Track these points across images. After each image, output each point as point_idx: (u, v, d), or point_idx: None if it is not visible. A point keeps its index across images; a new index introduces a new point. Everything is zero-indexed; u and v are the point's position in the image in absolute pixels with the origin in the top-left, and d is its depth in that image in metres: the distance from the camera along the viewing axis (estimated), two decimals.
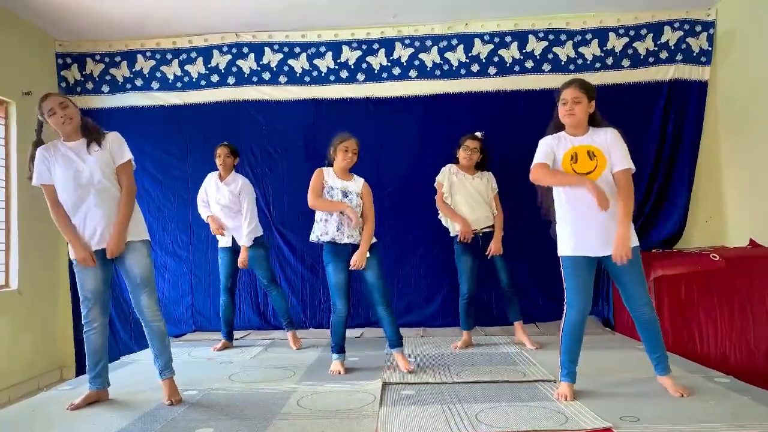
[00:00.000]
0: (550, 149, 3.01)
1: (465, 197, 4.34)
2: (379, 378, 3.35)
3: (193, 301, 5.38)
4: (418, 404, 2.89)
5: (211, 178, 4.60)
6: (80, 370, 5.09)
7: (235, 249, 4.50)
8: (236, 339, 4.87)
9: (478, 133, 4.47)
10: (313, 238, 3.68)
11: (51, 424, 2.78)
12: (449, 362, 3.81)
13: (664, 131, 5.15)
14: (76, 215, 2.98)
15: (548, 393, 3.03)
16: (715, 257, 4.21)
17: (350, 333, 4.92)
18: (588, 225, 2.92)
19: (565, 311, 3.09)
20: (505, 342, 4.46)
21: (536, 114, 5.13)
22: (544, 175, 2.96)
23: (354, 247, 3.59)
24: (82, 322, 3.05)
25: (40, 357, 5.07)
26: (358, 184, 3.75)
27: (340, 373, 3.58)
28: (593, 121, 3.07)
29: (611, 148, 2.97)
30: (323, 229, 3.60)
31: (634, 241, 2.96)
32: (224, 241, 4.56)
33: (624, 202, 2.91)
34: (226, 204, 4.47)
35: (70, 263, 5.36)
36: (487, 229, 4.36)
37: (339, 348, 3.71)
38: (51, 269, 5.30)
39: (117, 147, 3.07)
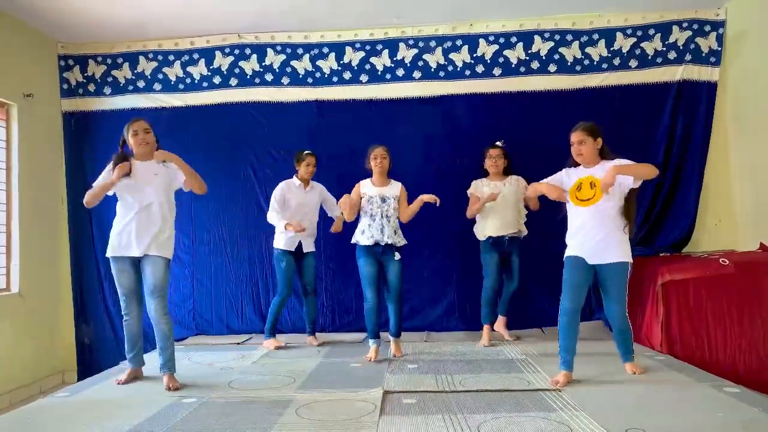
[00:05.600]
0: (559, 182, 3.59)
1: (495, 205, 4.47)
2: (380, 386, 3.29)
3: (195, 305, 5.34)
4: (418, 414, 2.82)
5: (292, 186, 4.67)
6: (82, 374, 5.07)
7: (298, 252, 4.64)
8: (237, 344, 4.84)
9: (498, 142, 4.62)
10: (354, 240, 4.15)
11: None
12: (452, 369, 3.75)
13: (672, 133, 5.07)
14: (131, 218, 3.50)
15: (553, 403, 2.96)
16: (725, 262, 4.13)
17: (353, 337, 4.93)
18: (587, 235, 3.46)
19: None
20: (510, 348, 4.38)
21: (542, 115, 5.13)
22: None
23: (383, 247, 4.07)
24: (122, 314, 3.62)
25: (42, 361, 5.05)
26: (394, 188, 4.21)
27: (371, 359, 3.99)
28: (603, 154, 3.50)
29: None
30: (368, 234, 4.06)
31: (627, 257, 3.49)
32: (290, 245, 4.58)
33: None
34: (310, 210, 4.68)
35: (74, 266, 5.37)
36: (513, 234, 4.52)
37: (372, 334, 4.11)
38: (53, 272, 5.28)
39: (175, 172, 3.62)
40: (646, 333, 4.34)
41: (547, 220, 4.41)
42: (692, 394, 3.06)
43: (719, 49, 5.08)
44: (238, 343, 4.85)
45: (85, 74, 5.47)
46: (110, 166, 3.56)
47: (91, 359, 5.29)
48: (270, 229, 5.30)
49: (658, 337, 4.19)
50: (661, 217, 5.05)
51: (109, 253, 3.53)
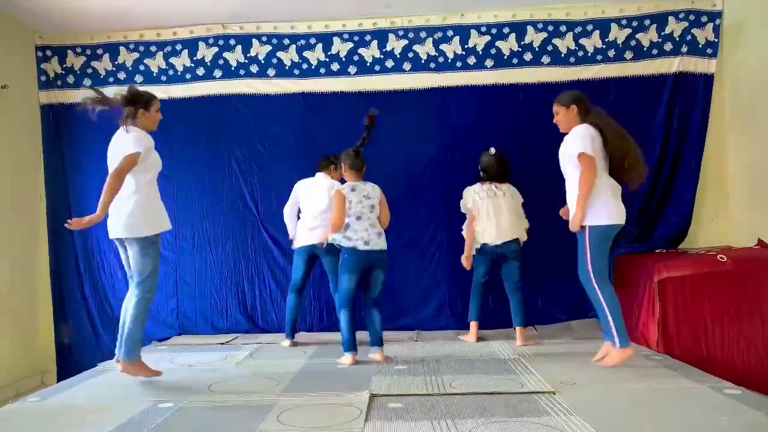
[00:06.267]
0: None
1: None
2: (367, 389, 3.15)
3: (178, 304, 5.18)
4: (406, 420, 2.68)
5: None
6: (62, 375, 4.90)
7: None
8: (221, 344, 4.69)
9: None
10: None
11: None
12: (442, 370, 3.60)
13: (668, 126, 4.93)
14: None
15: (547, 407, 2.82)
16: (723, 258, 4.03)
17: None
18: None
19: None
20: (502, 347, 4.25)
21: (535, 108, 4.97)
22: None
23: None
24: (148, 295, 3.46)
25: (20, 362, 4.87)
26: None
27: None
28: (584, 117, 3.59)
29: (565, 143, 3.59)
30: None
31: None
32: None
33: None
34: None
35: (53, 264, 5.18)
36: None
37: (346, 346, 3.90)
38: (30, 270, 5.10)
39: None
40: (642, 331, 4.22)
41: (537, 208, 4.43)
42: (692, 396, 2.93)
43: (716, 40, 4.95)
44: (222, 343, 4.70)
45: (64, 65, 5.28)
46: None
47: (71, 360, 5.11)
48: (254, 227, 5.18)
49: (654, 335, 4.08)
50: (657, 212, 4.93)
51: (160, 229, 3.41)
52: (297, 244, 4.54)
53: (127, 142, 3.33)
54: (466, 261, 4.47)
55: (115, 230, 3.36)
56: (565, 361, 3.74)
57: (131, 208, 3.30)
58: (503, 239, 4.34)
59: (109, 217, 3.33)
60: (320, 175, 4.54)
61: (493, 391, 3.09)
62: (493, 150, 4.48)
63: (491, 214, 4.36)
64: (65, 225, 3.18)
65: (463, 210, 4.50)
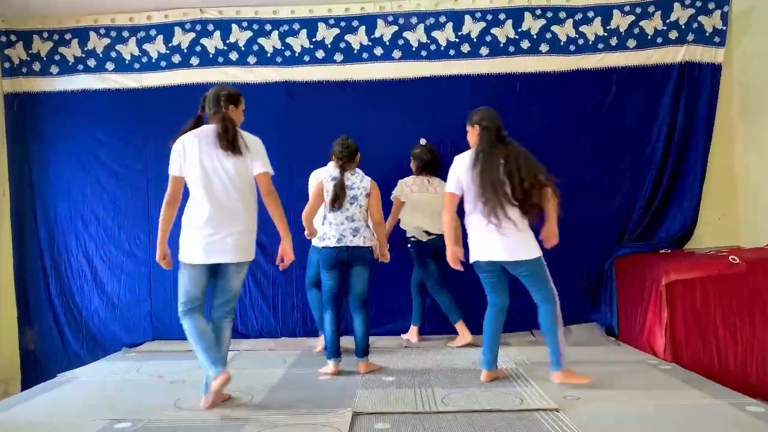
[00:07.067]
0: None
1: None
2: (349, 407, 2.84)
3: (152, 307, 4.86)
4: None
5: None
6: (27, 383, 4.58)
7: None
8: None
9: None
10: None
11: None
12: (434, 382, 3.30)
13: (673, 119, 4.68)
14: None
15: (550, 427, 2.53)
16: (735, 260, 3.75)
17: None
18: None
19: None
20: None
21: (533, 99, 4.74)
22: None
23: None
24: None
25: None
26: None
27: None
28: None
29: None
30: None
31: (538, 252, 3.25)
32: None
33: None
34: None
35: (16, 264, 4.85)
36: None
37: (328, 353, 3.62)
38: None
39: None
40: (648, 338, 3.94)
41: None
42: (710, 414, 2.65)
43: (724, 28, 4.69)
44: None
45: (30, 52, 4.94)
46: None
47: (37, 367, 4.79)
48: None
49: (661, 342, 3.80)
50: (661, 209, 4.67)
51: None
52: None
53: (255, 156, 3.06)
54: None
55: (227, 254, 2.97)
56: None
57: (251, 227, 3.03)
58: (439, 232, 4.19)
59: (202, 243, 2.99)
60: (332, 164, 4.22)
61: (490, 408, 2.79)
62: (423, 141, 4.51)
63: (425, 208, 4.29)
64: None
65: (392, 198, 4.38)
